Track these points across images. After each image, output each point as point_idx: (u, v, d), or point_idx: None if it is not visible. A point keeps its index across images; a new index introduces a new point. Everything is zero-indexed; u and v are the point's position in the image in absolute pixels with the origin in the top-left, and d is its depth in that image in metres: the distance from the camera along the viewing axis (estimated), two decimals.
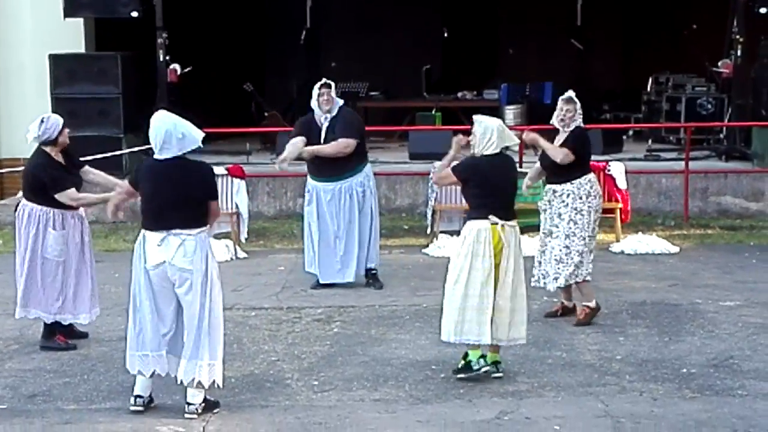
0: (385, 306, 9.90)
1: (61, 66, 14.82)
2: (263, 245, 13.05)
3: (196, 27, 17.53)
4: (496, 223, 7.66)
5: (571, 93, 9.19)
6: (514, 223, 7.80)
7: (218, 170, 12.63)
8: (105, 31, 15.73)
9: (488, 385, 7.60)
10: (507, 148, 7.92)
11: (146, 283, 7.12)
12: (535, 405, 7.20)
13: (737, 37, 15.28)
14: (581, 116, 9.18)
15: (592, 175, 9.23)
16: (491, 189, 7.72)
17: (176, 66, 15.45)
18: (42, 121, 8.73)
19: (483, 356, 7.73)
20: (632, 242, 12.33)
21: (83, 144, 14.42)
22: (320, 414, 7.11)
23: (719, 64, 15.86)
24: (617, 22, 21.45)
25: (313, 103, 10.45)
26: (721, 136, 16.34)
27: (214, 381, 7.14)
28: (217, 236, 12.55)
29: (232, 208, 12.57)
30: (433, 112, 17.50)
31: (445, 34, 21.59)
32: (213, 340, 7.14)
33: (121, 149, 14.56)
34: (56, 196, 8.51)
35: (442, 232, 12.61)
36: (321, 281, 10.59)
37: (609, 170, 12.69)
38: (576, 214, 9.07)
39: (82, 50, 15.47)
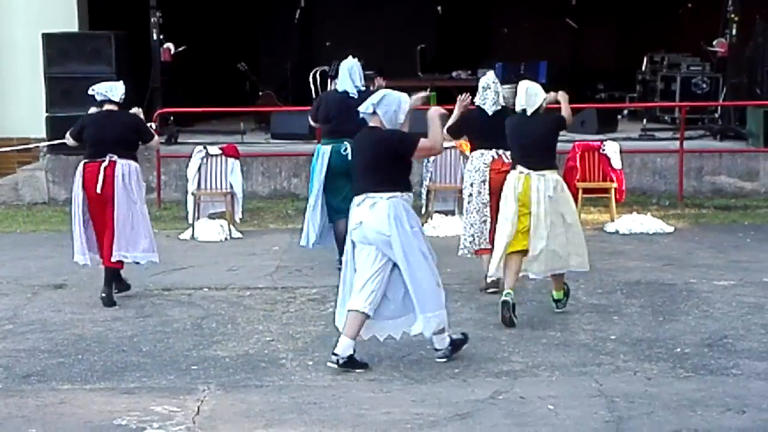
0: None
1: (55, 45, 14.74)
2: (258, 225, 13.04)
3: (189, 6, 17.47)
4: (522, 172, 8.68)
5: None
6: (543, 172, 8.64)
7: (212, 150, 12.63)
8: (98, 10, 15.67)
9: (483, 365, 7.61)
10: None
11: (350, 246, 7.62)
12: (529, 384, 7.21)
13: (732, 16, 15.26)
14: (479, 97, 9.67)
15: (475, 153, 9.64)
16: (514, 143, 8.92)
17: (170, 45, 15.41)
18: (123, 87, 9.51)
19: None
20: (627, 222, 12.33)
21: None
22: (315, 394, 7.11)
23: (714, 43, 15.84)
24: (612, 0, 21.40)
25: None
26: (716, 115, 16.33)
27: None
28: (211, 216, 12.56)
29: (226, 188, 12.54)
30: (428, 91, 17.44)
31: (439, 13, 21.52)
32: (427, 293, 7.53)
33: None
34: (154, 140, 9.80)
35: (436, 212, 12.60)
36: None
37: (604, 150, 12.68)
38: None
39: (76, 29, 15.41)
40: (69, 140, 9.67)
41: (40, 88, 14.79)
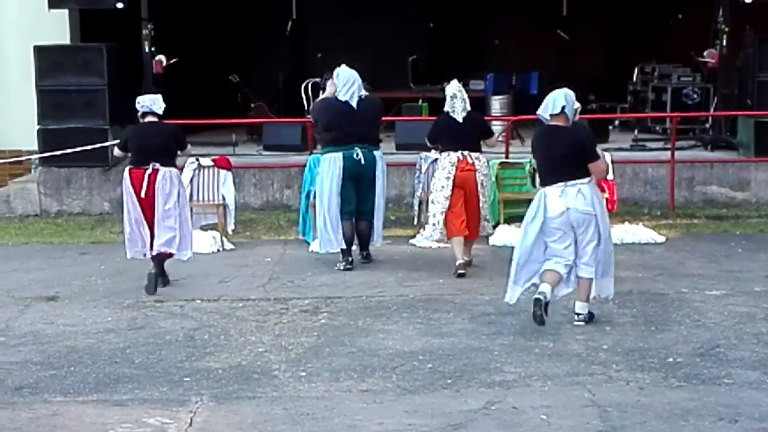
0: (372, 297, 9.91)
1: (46, 58, 14.72)
2: (250, 237, 13.04)
3: (181, 18, 17.47)
4: None
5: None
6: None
7: (204, 162, 12.63)
8: (90, 22, 15.65)
9: (475, 375, 7.62)
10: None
11: (535, 231, 8.67)
12: (522, 395, 7.21)
13: (722, 26, 15.30)
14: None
15: (443, 155, 10.86)
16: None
17: (162, 57, 15.39)
18: (160, 98, 10.45)
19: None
20: (618, 232, 12.31)
21: (69, 136, 14.46)
22: (308, 405, 7.11)
23: (705, 53, 15.87)
24: (603, 12, 21.47)
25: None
26: (707, 125, 16.37)
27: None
28: (203, 228, 12.56)
29: (218, 200, 12.54)
30: (420, 102, 17.49)
31: (431, 24, 21.57)
32: (609, 261, 8.82)
33: (107, 141, 14.52)
34: (188, 148, 10.59)
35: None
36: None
37: None
38: None
39: (67, 42, 15.41)
40: (117, 152, 10.72)
41: (32, 100, 14.78)
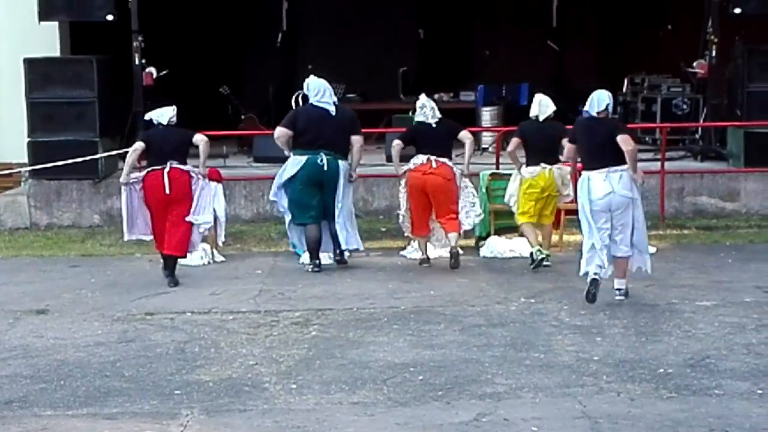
0: (363, 308, 9.90)
1: (36, 70, 14.70)
2: (240, 249, 13.03)
3: (171, 30, 17.48)
4: (538, 166, 11.47)
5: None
6: (559, 165, 11.46)
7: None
8: (80, 34, 15.65)
9: (466, 387, 7.62)
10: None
11: (589, 211, 9.64)
12: (513, 406, 7.21)
13: (712, 37, 15.33)
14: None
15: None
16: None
17: (152, 69, 15.39)
18: (173, 110, 11.15)
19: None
20: None
21: (59, 148, 14.43)
22: (298, 417, 7.10)
23: (694, 64, 15.90)
24: (593, 23, 21.52)
25: None
26: (697, 136, 16.40)
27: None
28: None
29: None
30: (410, 114, 17.47)
31: (421, 36, 21.60)
32: (643, 238, 9.84)
33: (97, 153, 14.50)
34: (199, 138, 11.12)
35: None
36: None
37: None
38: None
39: (57, 54, 15.40)
40: (137, 144, 11.09)
41: (22, 113, 14.76)
